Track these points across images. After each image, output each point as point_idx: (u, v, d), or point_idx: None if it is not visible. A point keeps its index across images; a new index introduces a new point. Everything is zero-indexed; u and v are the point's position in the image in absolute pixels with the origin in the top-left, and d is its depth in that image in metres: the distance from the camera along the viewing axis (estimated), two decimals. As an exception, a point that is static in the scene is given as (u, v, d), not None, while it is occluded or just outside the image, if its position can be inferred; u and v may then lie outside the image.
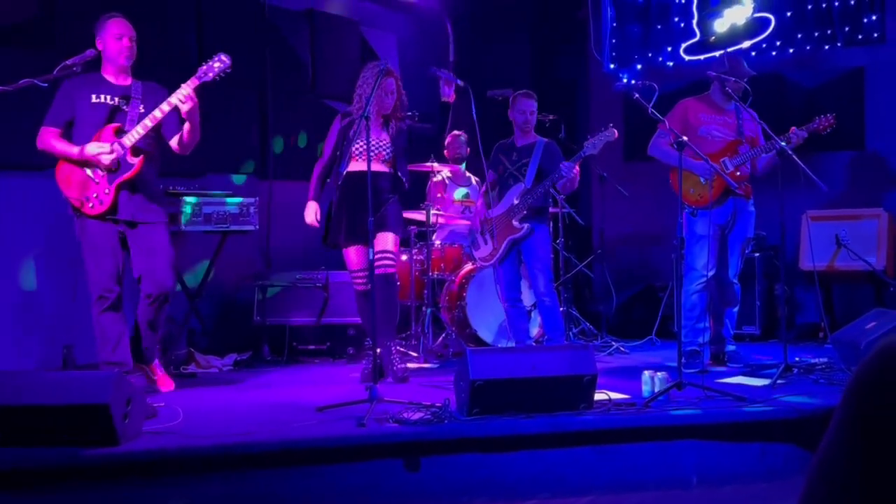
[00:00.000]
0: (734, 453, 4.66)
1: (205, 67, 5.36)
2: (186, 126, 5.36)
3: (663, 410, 4.79)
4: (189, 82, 5.25)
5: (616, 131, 6.29)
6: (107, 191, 5.24)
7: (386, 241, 5.89)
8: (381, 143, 5.95)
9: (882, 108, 8.18)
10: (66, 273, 5.88)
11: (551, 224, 6.94)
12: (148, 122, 5.23)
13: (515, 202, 6.54)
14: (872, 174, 8.21)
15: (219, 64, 5.37)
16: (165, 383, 5.65)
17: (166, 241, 5.48)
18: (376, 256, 5.45)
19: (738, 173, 6.26)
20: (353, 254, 5.97)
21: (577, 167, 6.33)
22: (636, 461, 4.57)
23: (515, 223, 6.51)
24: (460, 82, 6.16)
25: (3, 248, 6.38)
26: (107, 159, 5.20)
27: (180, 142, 5.46)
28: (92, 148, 5.22)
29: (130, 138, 5.23)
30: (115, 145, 5.21)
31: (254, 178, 8.02)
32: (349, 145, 5.84)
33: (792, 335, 7.36)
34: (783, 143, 5.92)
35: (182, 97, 5.20)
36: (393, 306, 5.99)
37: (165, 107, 5.24)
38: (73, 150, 5.25)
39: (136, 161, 5.26)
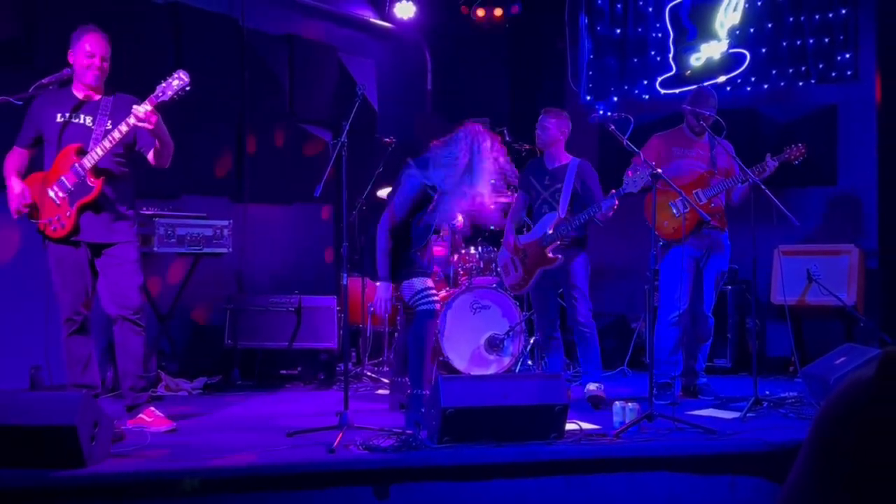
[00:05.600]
0: (704, 485, 4.67)
1: (163, 86, 4.98)
2: (157, 142, 5.08)
3: (634, 441, 4.81)
4: (147, 101, 4.92)
5: (661, 170, 5.71)
6: (68, 213, 5.02)
7: None
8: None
9: (854, 144, 8.27)
10: (35, 293, 5.81)
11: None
12: (107, 144, 4.96)
13: (550, 232, 6.19)
14: (844, 210, 8.29)
15: (178, 82, 4.98)
16: (159, 423, 5.22)
17: (132, 259, 5.20)
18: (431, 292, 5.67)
19: (711, 205, 6.29)
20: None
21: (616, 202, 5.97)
22: (607, 491, 4.56)
23: (549, 254, 6.19)
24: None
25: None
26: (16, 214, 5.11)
27: (155, 156, 5.18)
28: (16, 188, 5.10)
29: (91, 159, 4.98)
30: (75, 167, 4.98)
31: (228, 201, 7.99)
32: (432, 225, 5.69)
33: (763, 369, 7.38)
34: (756, 177, 5.94)
35: (141, 117, 4.84)
36: None
37: (124, 127, 4.94)
38: (11, 183, 5.15)
39: (96, 183, 5.02)
